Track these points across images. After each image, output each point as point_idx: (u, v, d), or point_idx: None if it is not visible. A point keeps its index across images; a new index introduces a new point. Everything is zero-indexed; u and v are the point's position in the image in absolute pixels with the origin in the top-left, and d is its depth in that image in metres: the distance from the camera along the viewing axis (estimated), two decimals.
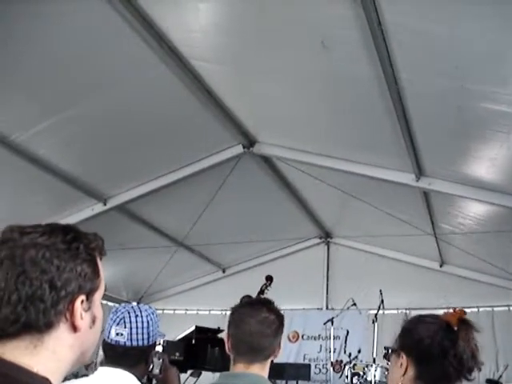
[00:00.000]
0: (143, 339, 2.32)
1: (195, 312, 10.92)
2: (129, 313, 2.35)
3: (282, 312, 2.25)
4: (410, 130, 5.38)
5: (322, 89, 5.44)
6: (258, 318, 2.14)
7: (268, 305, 2.22)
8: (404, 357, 1.82)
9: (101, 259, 1.22)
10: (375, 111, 5.35)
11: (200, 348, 7.17)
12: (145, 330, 2.33)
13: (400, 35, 4.08)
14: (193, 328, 7.36)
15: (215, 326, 7.48)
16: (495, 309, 9.18)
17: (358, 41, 4.27)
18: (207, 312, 10.65)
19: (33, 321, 1.08)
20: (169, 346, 6.70)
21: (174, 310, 11.07)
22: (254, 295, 6.49)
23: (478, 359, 1.76)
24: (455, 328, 1.77)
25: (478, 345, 1.77)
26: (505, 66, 4.07)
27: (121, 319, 2.32)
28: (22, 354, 1.08)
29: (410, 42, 4.15)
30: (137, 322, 2.32)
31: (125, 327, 2.30)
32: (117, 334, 2.29)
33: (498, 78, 4.22)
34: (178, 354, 6.84)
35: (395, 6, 3.84)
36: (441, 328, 1.79)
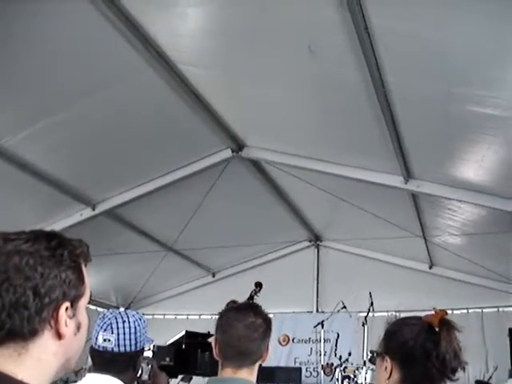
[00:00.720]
0: (131, 345, 2.30)
1: (185, 317, 10.87)
2: (116, 319, 2.33)
3: (269, 316, 2.25)
4: (398, 132, 5.41)
5: (310, 93, 5.45)
6: (245, 322, 2.13)
7: (255, 309, 2.22)
8: (388, 360, 1.82)
9: (86, 266, 1.21)
10: (363, 114, 5.37)
11: (190, 353, 7.15)
12: (132, 336, 2.31)
13: (387, 39, 4.10)
14: (183, 333, 7.33)
15: (205, 331, 7.45)
16: (484, 310, 9.23)
17: (345, 45, 4.29)
18: (197, 317, 10.59)
19: (17, 328, 1.07)
20: (159, 351, 6.68)
21: (164, 315, 11.03)
22: (244, 300, 6.49)
23: (462, 359, 1.75)
24: (437, 329, 1.76)
25: (461, 344, 1.76)
26: (489, 69, 4.10)
27: (108, 325, 2.31)
28: (6, 361, 1.07)
29: (397, 45, 4.18)
30: (124, 327, 2.31)
31: (112, 333, 2.28)
32: (104, 340, 2.28)
33: (483, 81, 4.25)
34: (168, 359, 6.82)
35: (382, 10, 3.86)
36: (423, 329, 1.79)
